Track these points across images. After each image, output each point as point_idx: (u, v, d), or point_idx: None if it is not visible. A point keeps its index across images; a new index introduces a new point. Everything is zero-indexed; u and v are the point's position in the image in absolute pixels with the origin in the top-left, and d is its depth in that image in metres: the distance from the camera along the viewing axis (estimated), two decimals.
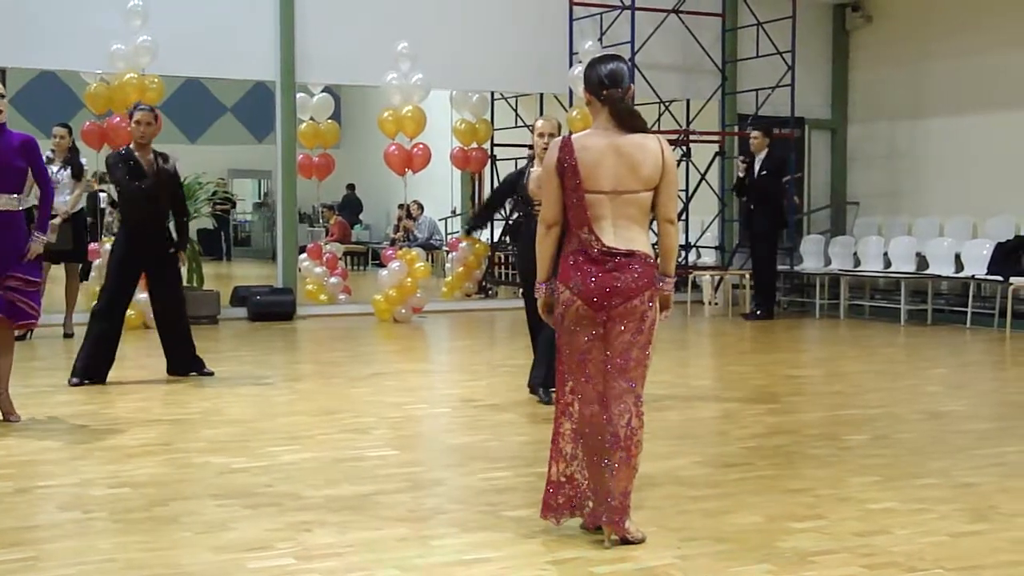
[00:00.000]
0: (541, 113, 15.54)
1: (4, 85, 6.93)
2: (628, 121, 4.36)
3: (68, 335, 10.67)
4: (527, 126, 15.59)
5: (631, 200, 4.32)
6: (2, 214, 6.60)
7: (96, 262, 11.65)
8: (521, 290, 7.69)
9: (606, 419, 4.33)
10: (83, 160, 10.97)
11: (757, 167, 13.27)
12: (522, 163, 9.46)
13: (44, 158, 10.52)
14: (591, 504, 4.42)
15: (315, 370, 9.58)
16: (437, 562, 4.22)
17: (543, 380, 7.47)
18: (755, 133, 13.35)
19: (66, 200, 10.49)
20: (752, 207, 13.31)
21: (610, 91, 4.36)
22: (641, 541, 4.33)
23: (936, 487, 5.37)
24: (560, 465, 4.45)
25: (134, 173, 8.23)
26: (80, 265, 11.31)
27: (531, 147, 8.79)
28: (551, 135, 7.22)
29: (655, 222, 4.46)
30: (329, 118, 14.47)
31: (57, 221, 10.05)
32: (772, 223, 13.35)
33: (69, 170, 10.64)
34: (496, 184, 16.22)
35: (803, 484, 5.42)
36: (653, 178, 4.34)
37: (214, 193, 12.58)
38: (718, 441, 6.57)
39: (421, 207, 19.97)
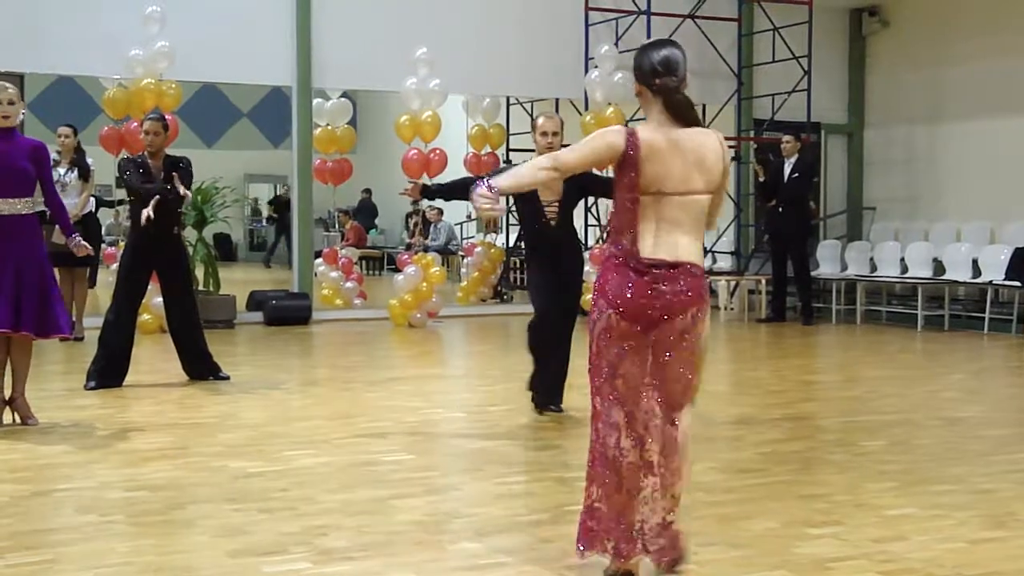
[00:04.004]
0: None
1: (23, 91, 6.96)
2: (684, 114, 3.92)
3: (79, 339, 10.68)
4: None
5: (691, 203, 3.92)
6: (10, 219, 6.61)
7: (112, 266, 11.69)
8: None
9: (633, 443, 3.93)
10: (89, 160, 10.98)
11: (788, 170, 13.30)
12: None
13: (51, 160, 10.56)
14: (615, 540, 3.96)
15: (331, 374, 9.59)
16: (452, 567, 4.22)
17: (558, 397, 7.22)
18: (787, 138, 13.41)
19: (75, 203, 10.49)
20: (780, 210, 13.33)
21: (664, 80, 3.90)
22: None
23: (953, 493, 5.34)
24: (592, 488, 4.01)
25: (143, 178, 8.26)
26: (88, 269, 11.32)
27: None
28: (555, 134, 6.96)
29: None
30: (347, 123, 14.49)
31: None
32: (803, 226, 13.43)
33: (76, 172, 10.66)
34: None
35: (819, 490, 5.40)
36: (716, 178, 3.96)
37: (275, 197, 12.56)
38: (734, 447, 6.55)
39: (440, 212, 19.96)
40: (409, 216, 23.51)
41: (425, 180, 10.56)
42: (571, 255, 7.21)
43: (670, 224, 3.91)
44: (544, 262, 7.13)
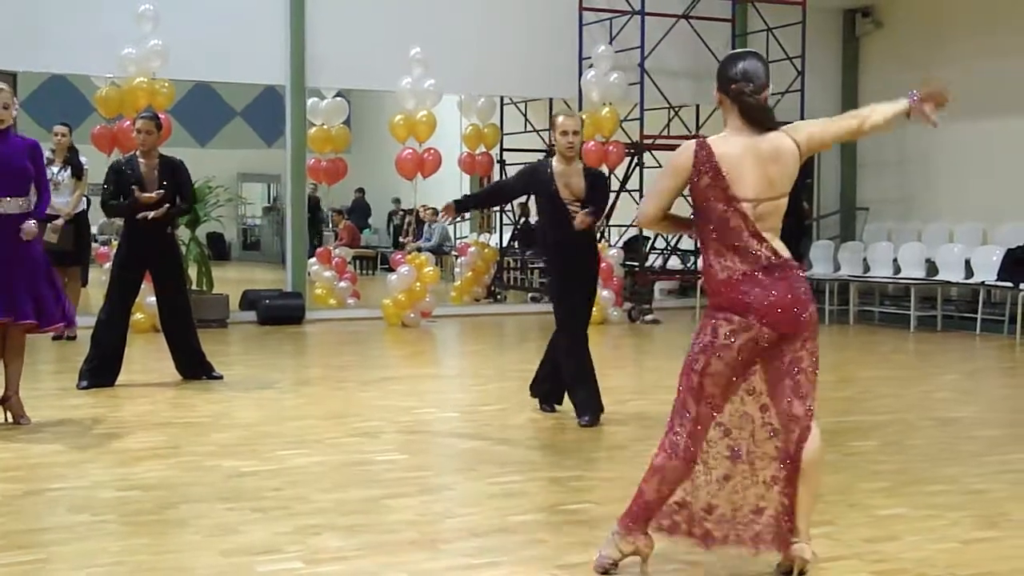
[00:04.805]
0: (549, 118, 15.51)
1: (15, 89, 6.93)
2: (759, 118, 4.03)
3: (71, 338, 10.65)
4: (536, 131, 15.60)
5: (771, 209, 4.04)
6: (10, 217, 6.60)
7: (105, 265, 11.66)
8: (543, 297, 7.31)
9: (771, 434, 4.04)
10: (83, 159, 10.95)
11: None
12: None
13: (44, 159, 10.55)
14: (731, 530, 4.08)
15: (324, 374, 9.58)
16: (446, 566, 4.22)
17: (596, 406, 6.95)
18: None
19: (67, 201, 10.48)
20: None
21: (739, 85, 4.02)
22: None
23: (946, 494, 5.35)
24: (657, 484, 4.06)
25: (130, 181, 8.23)
26: (80, 268, 11.31)
27: (544, 151, 8.52)
28: (575, 132, 6.80)
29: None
30: (342, 123, 14.49)
31: (60, 223, 10.05)
32: (796, 227, 13.40)
33: (69, 170, 10.63)
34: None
35: None
36: (790, 180, 4.06)
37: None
38: None
39: (435, 212, 19.94)
40: (392, 215, 23.50)
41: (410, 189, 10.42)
42: (590, 255, 7.07)
43: (766, 230, 4.03)
44: (566, 264, 6.95)
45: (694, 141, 4.07)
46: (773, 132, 4.05)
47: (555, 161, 6.92)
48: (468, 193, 7.03)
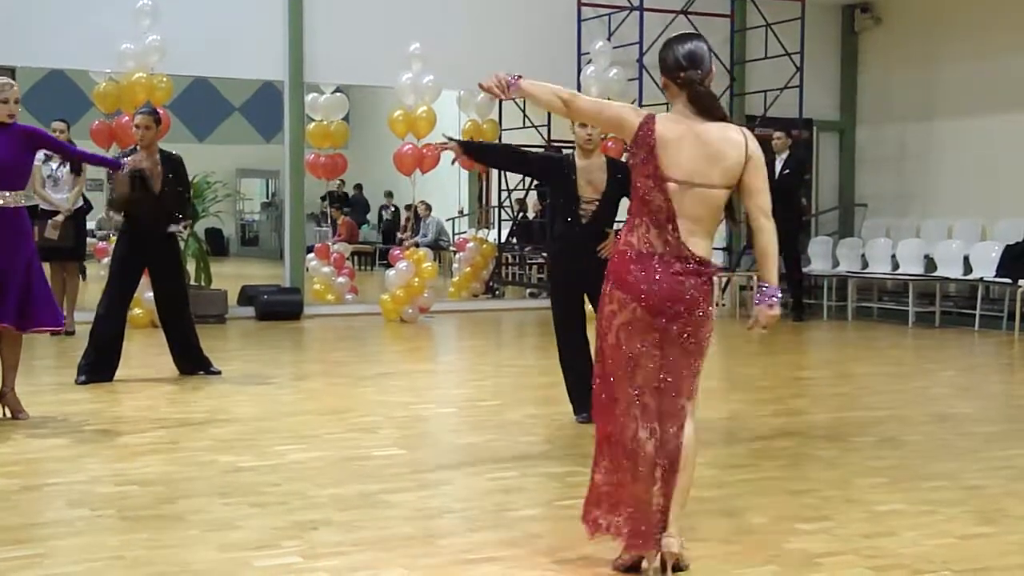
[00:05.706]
0: (548, 114, 15.51)
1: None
2: (708, 106, 3.96)
3: (70, 333, 10.64)
4: (535, 126, 15.59)
5: (704, 196, 3.92)
6: (5, 211, 6.61)
7: (103, 261, 11.66)
8: (541, 293, 7.18)
9: (655, 436, 3.99)
10: None
11: (779, 167, 13.29)
12: None
13: (44, 155, 10.54)
14: (630, 529, 4.03)
15: (322, 369, 9.58)
16: (443, 561, 4.22)
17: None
18: (778, 134, 13.39)
19: (66, 197, 10.48)
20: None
21: (688, 73, 3.95)
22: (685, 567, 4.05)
23: (944, 489, 5.36)
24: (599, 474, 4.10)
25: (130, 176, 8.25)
26: (78, 263, 11.30)
27: (544, 148, 8.44)
28: (594, 126, 6.64)
29: (729, 222, 3.98)
30: (342, 118, 14.47)
31: (60, 218, 10.06)
32: (794, 223, 13.42)
33: (68, 166, 10.62)
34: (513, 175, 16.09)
35: (810, 485, 5.41)
36: (734, 173, 3.94)
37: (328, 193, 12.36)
38: (725, 442, 6.56)
39: (429, 207, 19.97)
40: (383, 209, 23.47)
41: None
42: (595, 255, 6.69)
43: (682, 216, 3.93)
44: (567, 257, 6.81)
45: (645, 113, 4.02)
46: (724, 123, 3.98)
47: (576, 155, 6.82)
48: (473, 141, 6.70)
